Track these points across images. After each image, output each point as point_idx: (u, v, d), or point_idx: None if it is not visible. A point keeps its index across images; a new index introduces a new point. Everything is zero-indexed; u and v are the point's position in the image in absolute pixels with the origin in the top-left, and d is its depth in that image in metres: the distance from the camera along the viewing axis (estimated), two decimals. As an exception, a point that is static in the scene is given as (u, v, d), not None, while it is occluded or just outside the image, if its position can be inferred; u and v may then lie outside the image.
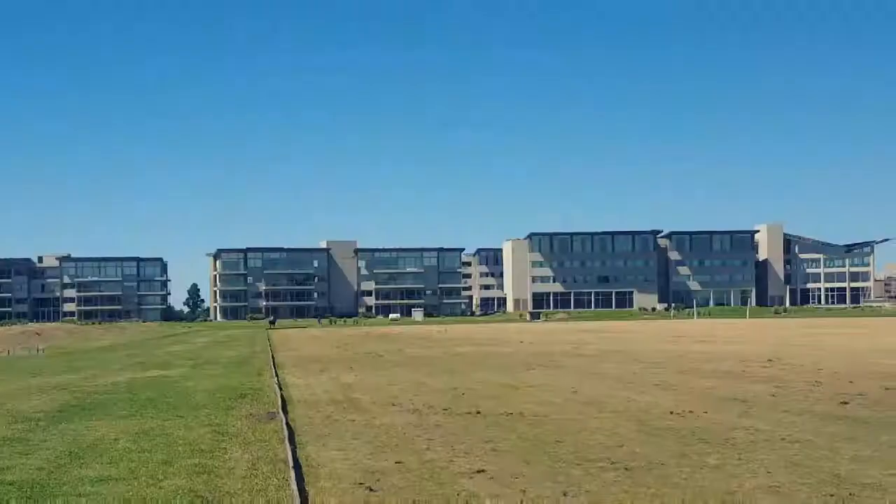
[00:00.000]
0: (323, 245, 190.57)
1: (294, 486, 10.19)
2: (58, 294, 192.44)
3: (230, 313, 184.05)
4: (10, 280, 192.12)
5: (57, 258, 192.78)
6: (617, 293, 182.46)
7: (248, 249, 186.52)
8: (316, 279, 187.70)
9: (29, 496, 10.22)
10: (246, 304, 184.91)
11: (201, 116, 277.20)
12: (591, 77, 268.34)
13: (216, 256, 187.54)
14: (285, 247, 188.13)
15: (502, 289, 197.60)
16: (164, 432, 15.09)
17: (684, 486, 10.63)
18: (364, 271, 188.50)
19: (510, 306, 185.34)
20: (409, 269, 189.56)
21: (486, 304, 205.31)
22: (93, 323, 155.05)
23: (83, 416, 17.57)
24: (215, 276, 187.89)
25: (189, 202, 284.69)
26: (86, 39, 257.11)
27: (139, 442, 14.10)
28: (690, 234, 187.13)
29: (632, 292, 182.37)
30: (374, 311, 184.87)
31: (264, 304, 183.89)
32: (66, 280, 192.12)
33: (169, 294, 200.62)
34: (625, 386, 22.78)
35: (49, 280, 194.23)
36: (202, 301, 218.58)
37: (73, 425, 16.27)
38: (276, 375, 27.54)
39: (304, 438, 14.54)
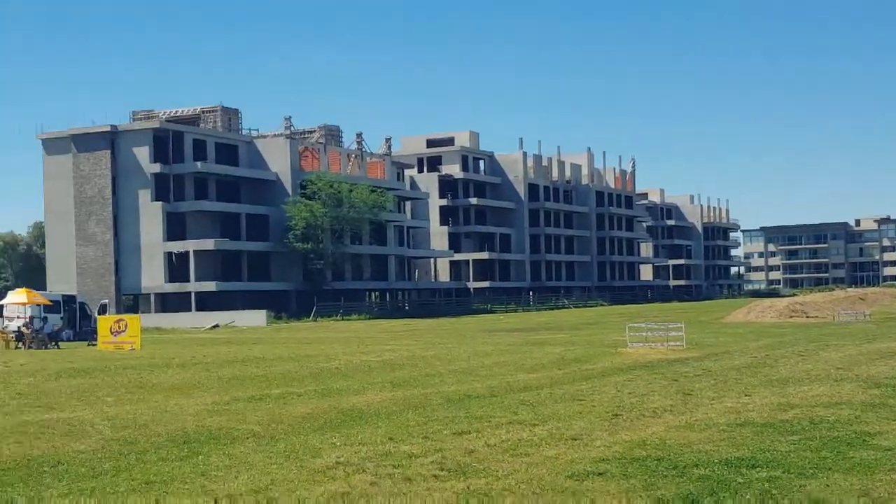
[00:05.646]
0: None
1: None
2: (876, 258, 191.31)
3: None
4: (826, 245, 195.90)
5: (875, 220, 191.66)
6: None
7: None
8: None
9: None
10: None
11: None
12: None
13: None
14: None
15: None
16: None
17: None
18: None
19: None
20: None
21: None
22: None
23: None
24: None
25: None
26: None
27: None
28: None
29: None
30: None
31: None
32: (886, 243, 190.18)
33: None
34: None
35: (866, 244, 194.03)
36: None
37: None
38: None
39: None
